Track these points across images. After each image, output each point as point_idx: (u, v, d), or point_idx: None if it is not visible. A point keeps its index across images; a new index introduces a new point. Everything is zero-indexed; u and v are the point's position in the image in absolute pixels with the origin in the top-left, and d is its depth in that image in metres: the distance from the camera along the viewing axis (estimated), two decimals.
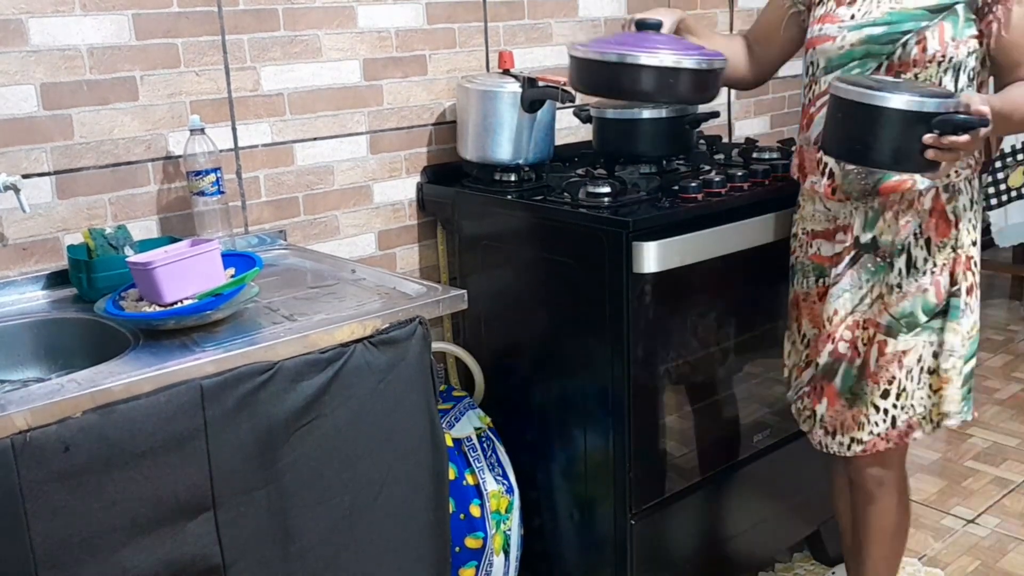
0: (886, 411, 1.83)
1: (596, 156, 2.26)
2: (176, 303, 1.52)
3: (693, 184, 1.95)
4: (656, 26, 1.94)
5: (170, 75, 1.89)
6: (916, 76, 1.70)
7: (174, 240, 1.77)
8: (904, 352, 1.80)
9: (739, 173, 2.04)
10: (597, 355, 1.92)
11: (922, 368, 1.81)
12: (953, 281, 1.78)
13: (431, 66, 2.27)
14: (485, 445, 2.05)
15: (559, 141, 2.31)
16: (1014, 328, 4.01)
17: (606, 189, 1.94)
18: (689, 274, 1.91)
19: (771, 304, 2.14)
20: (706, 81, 1.91)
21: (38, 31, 1.72)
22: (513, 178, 2.16)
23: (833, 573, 2.39)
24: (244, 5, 1.96)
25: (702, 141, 2.46)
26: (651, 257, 1.81)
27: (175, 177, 1.92)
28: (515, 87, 2.12)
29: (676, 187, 1.98)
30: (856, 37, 1.74)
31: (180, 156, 1.90)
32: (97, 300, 1.60)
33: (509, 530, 2.05)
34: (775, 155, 2.23)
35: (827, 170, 1.81)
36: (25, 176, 1.72)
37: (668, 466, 2.04)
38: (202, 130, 1.85)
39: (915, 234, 1.78)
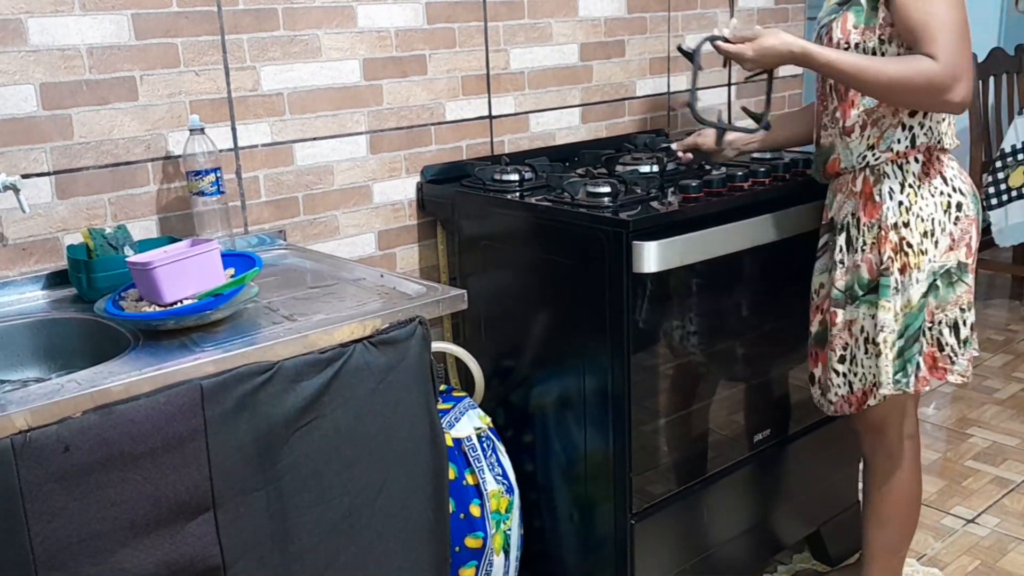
0: (844, 375, 1.96)
1: (596, 156, 2.26)
2: (176, 303, 1.52)
3: (693, 184, 1.95)
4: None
5: (170, 75, 1.89)
6: None
7: (174, 240, 1.77)
8: (850, 322, 1.92)
9: (739, 173, 2.04)
10: (597, 355, 1.92)
11: (865, 338, 1.91)
12: (880, 260, 1.86)
13: (431, 66, 2.27)
14: (485, 445, 2.05)
15: (559, 141, 2.31)
16: (1014, 328, 4.01)
17: (606, 189, 1.94)
18: (689, 274, 1.91)
19: (772, 303, 2.14)
20: None
21: (37, 31, 1.72)
22: (513, 178, 2.16)
23: None
24: (244, 5, 1.96)
25: None
26: (651, 257, 1.81)
27: (175, 177, 1.92)
28: None
29: (676, 187, 1.98)
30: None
31: (180, 156, 1.90)
32: (97, 300, 1.60)
33: (509, 530, 2.05)
34: (775, 155, 2.23)
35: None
36: (25, 176, 1.72)
37: (668, 466, 2.03)
38: (202, 130, 1.85)
39: (851, 214, 1.90)
